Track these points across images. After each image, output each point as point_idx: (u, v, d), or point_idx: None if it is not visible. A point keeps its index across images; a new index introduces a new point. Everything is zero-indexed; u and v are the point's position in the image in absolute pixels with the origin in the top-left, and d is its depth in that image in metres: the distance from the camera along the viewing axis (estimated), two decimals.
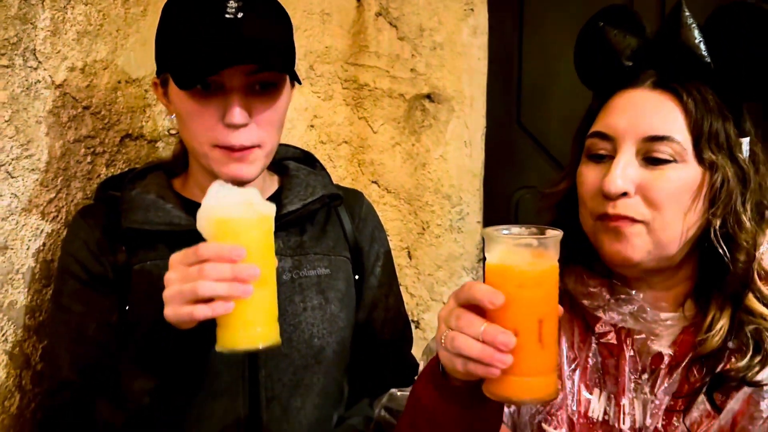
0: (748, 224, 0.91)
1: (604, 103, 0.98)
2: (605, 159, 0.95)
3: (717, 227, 0.91)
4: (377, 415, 1.15)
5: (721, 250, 0.91)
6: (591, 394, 1.00)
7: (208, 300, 0.86)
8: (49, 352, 1.14)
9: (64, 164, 1.23)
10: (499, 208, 2.21)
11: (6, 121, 1.11)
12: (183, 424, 1.08)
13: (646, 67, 0.96)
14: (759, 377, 0.87)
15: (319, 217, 1.23)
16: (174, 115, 1.10)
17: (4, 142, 1.11)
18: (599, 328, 1.00)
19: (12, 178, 1.13)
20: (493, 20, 2.10)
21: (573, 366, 1.01)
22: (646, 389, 0.95)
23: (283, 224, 1.15)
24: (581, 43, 1.03)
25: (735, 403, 0.89)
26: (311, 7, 1.90)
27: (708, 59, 0.92)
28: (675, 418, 0.92)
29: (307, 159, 1.30)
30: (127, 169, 1.29)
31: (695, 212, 0.92)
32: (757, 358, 0.88)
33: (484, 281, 0.81)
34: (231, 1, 1.01)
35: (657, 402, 0.94)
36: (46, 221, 1.20)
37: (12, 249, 1.14)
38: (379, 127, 2.07)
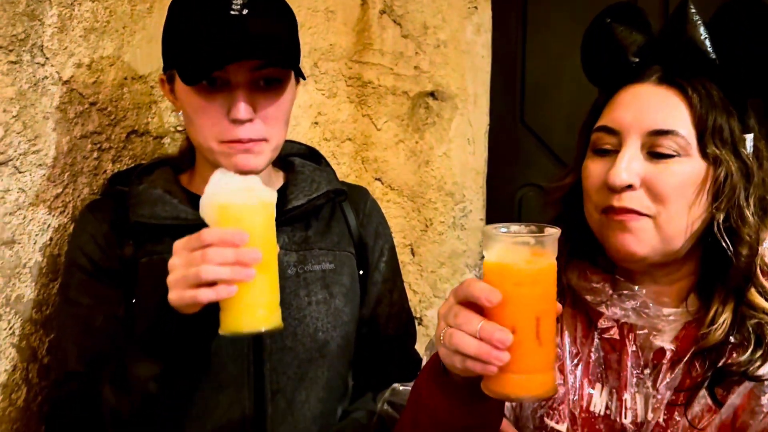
0: (751, 218, 0.92)
1: (609, 98, 0.99)
2: (610, 153, 0.96)
3: (720, 221, 0.92)
4: (380, 408, 1.15)
5: (724, 244, 0.91)
6: (593, 388, 1.00)
7: (211, 284, 0.88)
8: (56, 344, 1.15)
9: (71, 160, 1.24)
10: (502, 206, 2.22)
11: (14, 117, 1.12)
12: (189, 416, 1.09)
13: (652, 63, 0.97)
14: (760, 372, 0.88)
15: (324, 212, 1.24)
16: (180, 111, 1.12)
17: (11, 137, 1.12)
18: (602, 324, 1.00)
19: (19, 173, 1.14)
20: (496, 18, 2.10)
21: (575, 361, 1.02)
22: (648, 384, 0.96)
23: (288, 219, 1.16)
24: (588, 39, 1.03)
25: (736, 397, 0.89)
26: (316, 4, 1.91)
27: (713, 55, 0.93)
28: (676, 413, 0.93)
29: (312, 155, 1.31)
30: (134, 165, 1.30)
31: (699, 206, 0.92)
32: (759, 353, 0.88)
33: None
34: None
35: (659, 397, 0.94)
36: (53, 216, 1.21)
37: (19, 243, 1.15)
38: (382, 124, 2.07)
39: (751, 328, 0.90)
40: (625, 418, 0.97)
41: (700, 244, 0.96)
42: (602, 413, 0.99)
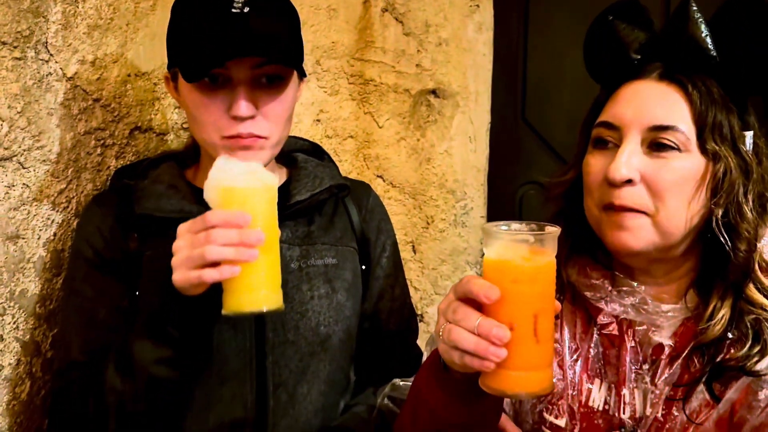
0: (749, 214, 0.92)
1: (611, 94, 1.00)
2: (611, 148, 0.96)
3: (719, 217, 0.92)
4: (380, 403, 1.16)
5: (722, 239, 0.92)
6: (592, 384, 1.01)
7: (215, 265, 0.90)
8: (60, 335, 1.17)
9: (75, 156, 1.25)
10: (503, 204, 2.22)
11: (18, 113, 1.12)
12: (190, 409, 1.10)
13: (653, 60, 0.97)
14: (758, 367, 0.88)
15: (327, 208, 1.25)
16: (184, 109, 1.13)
17: (16, 133, 1.12)
18: (601, 319, 1.01)
19: (23, 168, 1.15)
20: (498, 16, 2.11)
21: (575, 356, 1.02)
22: (647, 379, 0.96)
23: (292, 214, 1.17)
24: (591, 36, 1.04)
25: (734, 392, 0.90)
26: (318, 2, 1.92)
27: (714, 53, 0.93)
28: (675, 408, 0.94)
29: (315, 151, 1.32)
30: (139, 159, 1.31)
31: (698, 202, 0.93)
32: (756, 348, 0.89)
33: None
34: None
35: (657, 392, 0.95)
36: (57, 211, 1.22)
37: (23, 238, 1.16)
38: (384, 122, 2.08)
39: (749, 324, 0.91)
40: (624, 413, 0.97)
41: (699, 241, 0.96)
42: (601, 408, 1.00)
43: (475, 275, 0.82)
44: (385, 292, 1.30)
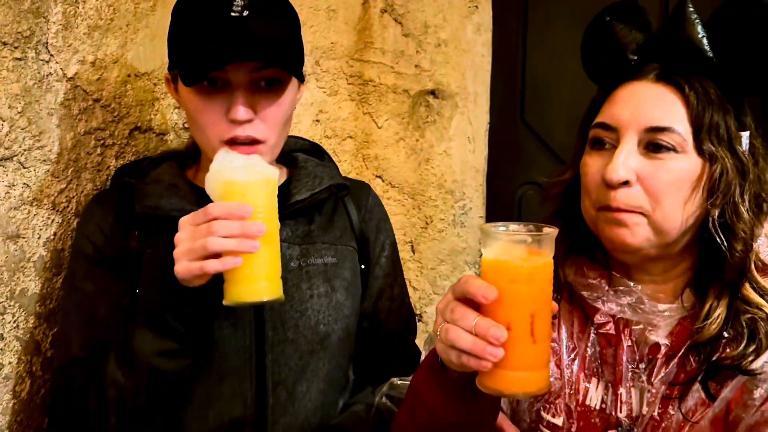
0: (745, 215, 0.93)
1: (608, 94, 1.00)
2: (608, 149, 0.97)
3: (715, 217, 0.93)
4: (378, 401, 1.17)
5: (719, 239, 0.92)
6: (589, 383, 1.01)
7: (216, 256, 0.92)
8: (61, 332, 1.17)
9: (75, 156, 1.25)
10: (502, 204, 2.23)
11: (18, 113, 1.13)
12: (190, 406, 1.11)
13: (651, 61, 0.98)
14: (753, 366, 0.89)
15: (326, 207, 1.25)
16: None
17: (16, 133, 1.13)
18: (598, 319, 1.01)
19: (24, 168, 1.15)
20: (497, 17, 2.11)
21: (572, 355, 1.03)
22: (643, 378, 0.97)
23: (292, 213, 1.17)
24: (588, 37, 1.05)
25: (729, 391, 0.91)
26: (317, 3, 1.92)
27: (711, 54, 0.94)
28: (671, 407, 0.94)
29: (315, 151, 1.32)
30: (140, 158, 1.32)
31: (694, 202, 0.93)
32: (752, 347, 0.89)
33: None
34: (237, 0, 1.04)
35: (653, 391, 0.96)
36: (57, 211, 1.23)
37: (24, 238, 1.16)
38: (383, 122, 2.09)
39: (744, 323, 0.91)
40: (621, 411, 0.98)
41: (696, 240, 0.97)
42: (598, 407, 1.00)
43: (474, 275, 0.83)
44: (384, 292, 1.30)
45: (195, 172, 1.21)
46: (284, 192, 1.16)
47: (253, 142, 1.06)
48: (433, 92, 2.08)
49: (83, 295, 1.12)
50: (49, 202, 1.21)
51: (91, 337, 1.10)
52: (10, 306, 1.15)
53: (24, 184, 1.16)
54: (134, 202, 1.13)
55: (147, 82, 1.41)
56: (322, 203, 1.24)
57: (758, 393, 0.89)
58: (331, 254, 1.21)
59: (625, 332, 0.99)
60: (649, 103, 0.94)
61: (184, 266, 0.94)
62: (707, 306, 0.93)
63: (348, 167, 2.07)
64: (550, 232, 0.82)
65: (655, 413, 0.95)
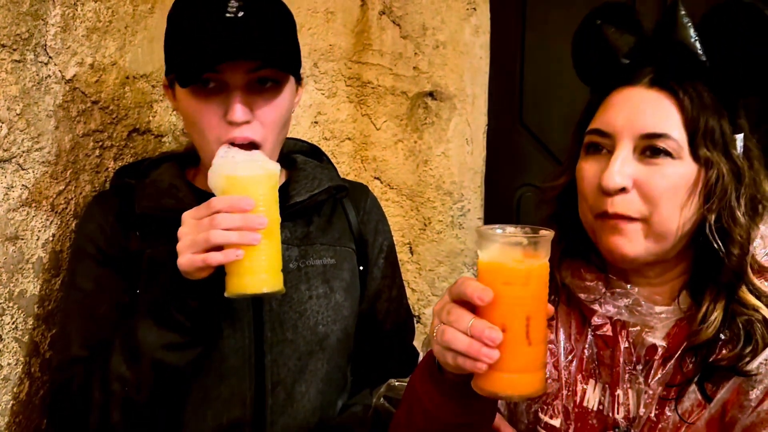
0: (742, 219, 0.93)
1: (602, 99, 1.00)
2: (604, 154, 0.97)
3: (712, 222, 0.93)
4: (376, 402, 1.17)
5: (716, 245, 0.92)
6: (586, 384, 1.02)
7: (218, 249, 0.94)
8: (61, 330, 1.17)
9: (74, 157, 1.26)
10: (500, 206, 2.23)
11: (17, 115, 1.13)
12: (190, 404, 1.11)
13: (643, 65, 0.97)
14: (749, 367, 0.89)
15: (325, 209, 1.26)
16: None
17: (15, 135, 1.13)
18: (595, 321, 1.02)
19: (23, 170, 1.16)
20: (495, 19, 2.11)
21: (569, 357, 1.03)
22: (640, 380, 0.97)
23: (291, 215, 1.18)
24: (578, 40, 1.04)
25: (725, 392, 0.91)
26: (315, 5, 1.93)
27: (703, 57, 0.93)
28: (667, 408, 0.94)
29: (314, 152, 1.33)
30: (140, 159, 1.32)
31: (690, 208, 0.94)
32: (748, 348, 0.90)
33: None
34: (232, 1, 1.04)
35: (650, 392, 0.96)
36: (56, 213, 1.23)
37: (22, 239, 1.17)
38: (382, 124, 2.09)
39: (741, 325, 0.91)
40: (618, 413, 0.98)
41: (692, 244, 0.97)
42: (595, 408, 1.00)
43: (470, 277, 0.83)
44: (382, 293, 1.31)
45: (195, 173, 1.21)
46: (283, 193, 1.17)
47: (251, 144, 1.06)
48: (431, 94, 2.09)
49: (84, 294, 1.13)
50: (47, 203, 1.21)
51: (91, 336, 1.10)
52: (8, 307, 1.15)
53: (23, 185, 1.16)
54: (134, 203, 1.13)
55: (145, 84, 1.42)
56: (321, 205, 1.24)
57: (754, 394, 0.89)
58: (329, 255, 1.22)
59: (622, 334, 1.00)
60: (644, 110, 0.94)
61: (188, 259, 0.95)
62: (704, 308, 0.93)
63: (346, 169, 2.07)
64: (546, 234, 0.82)
65: (652, 414, 0.95)
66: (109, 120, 1.33)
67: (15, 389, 1.17)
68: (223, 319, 1.12)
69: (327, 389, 1.20)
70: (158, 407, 1.07)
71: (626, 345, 0.99)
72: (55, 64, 1.20)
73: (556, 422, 1.02)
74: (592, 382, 1.02)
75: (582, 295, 1.03)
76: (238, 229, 0.93)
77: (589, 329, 1.03)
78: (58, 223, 1.23)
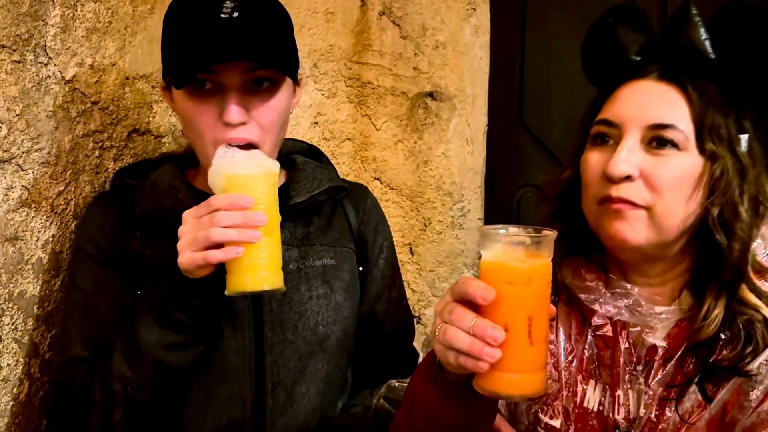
0: (744, 214, 0.93)
1: (609, 93, 1.00)
2: (611, 145, 0.97)
3: (715, 216, 0.93)
4: (376, 403, 1.17)
5: (718, 237, 0.93)
6: (587, 385, 1.02)
7: (219, 246, 0.94)
8: (61, 330, 1.17)
9: (73, 158, 1.26)
10: (501, 206, 2.23)
11: (17, 115, 1.13)
12: (190, 405, 1.11)
13: (652, 62, 0.98)
14: (749, 367, 0.89)
15: (325, 209, 1.26)
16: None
17: (15, 135, 1.13)
18: (595, 321, 1.02)
19: (22, 170, 1.15)
20: (495, 20, 2.11)
21: (569, 357, 1.03)
22: (641, 380, 0.97)
23: (290, 215, 1.18)
24: (590, 38, 1.05)
25: (725, 393, 0.91)
26: (315, 6, 1.93)
27: (713, 56, 0.94)
28: (668, 408, 0.94)
29: (313, 153, 1.33)
30: (140, 160, 1.32)
31: (694, 201, 0.94)
32: (749, 348, 0.90)
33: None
34: (227, 2, 1.04)
35: (650, 393, 0.96)
36: (56, 213, 1.23)
37: (22, 240, 1.17)
38: (382, 124, 2.09)
39: (741, 325, 0.91)
40: (618, 413, 0.98)
41: (693, 241, 0.97)
42: (595, 409, 1.00)
43: (472, 276, 0.83)
44: (383, 294, 1.31)
45: (195, 174, 1.21)
46: (283, 194, 1.16)
47: (248, 145, 1.06)
48: (431, 94, 2.09)
49: (84, 295, 1.13)
50: (47, 204, 1.21)
51: (92, 336, 1.10)
52: (8, 308, 1.15)
53: (22, 186, 1.16)
54: (134, 204, 1.13)
55: (145, 85, 1.41)
56: (321, 205, 1.24)
57: (754, 395, 0.89)
58: (329, 256, 1.22)
59: (623, 334, 1.00)
60: (653, 101, 0.95)
61: (188, 257, 0.96)
62: (705, 307, 0.94)
63: (346, 169, 2.07)
64: (549, 234, 0.82)
65: (652, 415, 0.95)
66: (109, 121, 1.33)
67: (15, 390, 1.17)
68: (223, 320, 1.12)
69: (327, 390, 1.20)
70: (159, 407, 1.07)
71: (626, 345, 0.99)
72: (55, 65, 1.20)
73: (557, 423, 1.02)
74: (592, 382, 1.01)
75: (582, 296, 1.03)
76: (238, 227, 0.94)
77: (590, 329, 1.03)
78: (58, 223, 1.23)
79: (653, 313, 0.97)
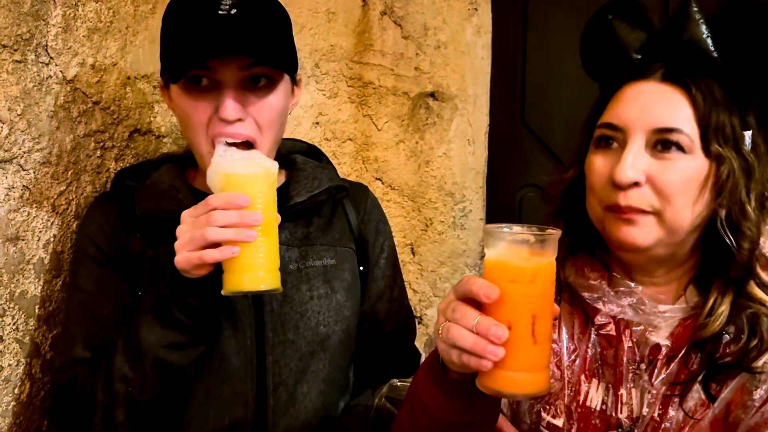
0: (752, 214, 0.93)
1: (612, 93, 1.00)
2: (615, 148, 0.96)
3: (723, 217, 0.93)
4: (378, 403, 1.17)
5: (727, 239, 0.92)
6: (589, 384, 1.01)
7: (216, 246, 0.94)
8: (63, 331, 1.17)
9: (75, 158, 1.26)
10: (502, 207, 2.23)
11: (18, 115, 1.13)
12: (192, 405, 1.11)
13: (654, 61, 0.98)
14: (755, 364, 0.89)
15: (325, 209, 1.25)
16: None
17: (16, 135, 1.13)
18: (599, 320, 1.01)
19: (24, 170, 1.15)
20: (496, 20, 2.11)
21: (572, 356, 1.03)
22: (644, 379, 0.97)
23: (291, 215, 1.17)
24: (588, 33, 1.04)
25: (729, 392, 0.91)
26: (317, 6, 1.93)
27: (715, 54, 0.94)
28: (671, 407, 0.94)
29: (313, 153, 1.33)
30: (140, 161, 1.32)
31: (702, 202, 0.94)
32: (753, 342, 0.89)
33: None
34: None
35: (654, 392, 0.96)
36: (57, 213, 1.23)
37: (23, 240, 1.16)
38: (383, 124, 2.09)
39: (745, 318, 0.91)
40: (621, 412, 0.98)
41: (701, 241, 0.97)
42: (598, 408, 1.00)
43: (475, 275, 0.83)
44: (384, 294, 1.30)
45: (195, 174, 1.21)
46: (283, 194, 1.16)
47: (246, 143, 1.06)
48: (432, 94, 2.08)
49: (85, 295, 1.13)
50: (48, 204, 1.21)
51: (93, 337, 1.10)
52: (9, 308, 1.15)
53: (24, 186, 1.16)
54: (135, 205, 1.13)
55: (146, 85, 1.41)
56: (321, 205, 1.24)
57: (758, 394, 0.89)
58: (330, 256, 1.21)
59: (626, 333, 0.99)
60: (656, 104, 0.94)
61: (184, 256, 0.95)
62: (710, 302, 0.93)
63: (348, 169, 2.07)
64: (553, 233, 0.82)
65: (656, 414, 0.95)
66: (111, 120, 1.33)
67: (16, 390, 1.17)
68: (224, 320, 1.11)
69: (329, 390, 1.20)
70: (161, 407, 1.07)
71: (630, 344, 0.99)
72: (56, 65, 1.20)
73: (559, 422, 1.02)
74: (595, 381, 1.01)
75: (585, 294, 1.02)
76: (234, 226, 0.93)
77: (593, 328, 1.02)
78: (59, 223, 1.23)
79: (657, 312, 0.97)
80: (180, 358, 1.04)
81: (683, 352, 0.95)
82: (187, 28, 1.04)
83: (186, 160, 1.23)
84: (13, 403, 1.17)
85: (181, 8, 1.07)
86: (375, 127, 2.09)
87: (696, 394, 0.92)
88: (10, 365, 1.16)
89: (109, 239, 1.14)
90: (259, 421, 1.13)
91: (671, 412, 0.94)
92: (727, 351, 0.91)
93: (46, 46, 1.18)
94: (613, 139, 0.97)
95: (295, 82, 1.16)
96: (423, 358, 1.10)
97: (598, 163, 0.98)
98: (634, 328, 0.99)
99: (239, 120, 1.05)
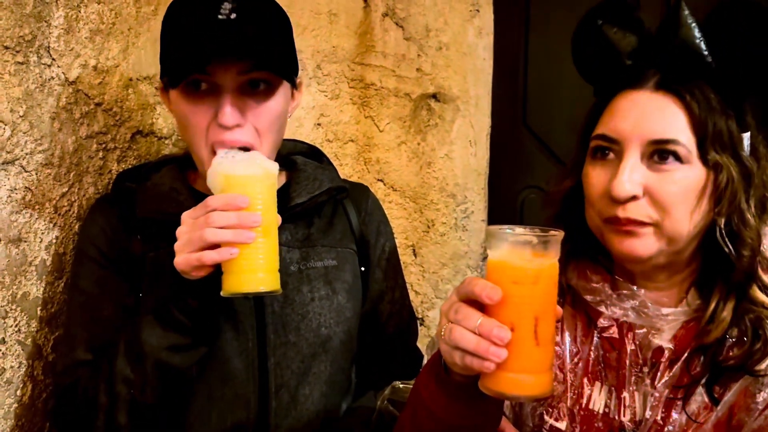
0: (752, 221, 0.92)
1: (606, 102, 0.99)
2: (611, 159, 0.96)
3: (722, 225, 0.92)
4: (380, 405, 1.17)
5: (727, 249, 0.92)
6: (592, 387, 1.01)
7: (215, 247, 0.94)
8: (65, 333, 1.17)
9: (77, 159, 1.25)
10: (504, 208, 2.22)
11: (20, 117, 1.13)
12: (194, 407, 1.11)
13: (647, 66, 0.96)
14: (758, 366, 0.89)
15: (326, 210, 1.25)
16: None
17: (18, 137, 1.13)
18: (601, 323, 1.01)
19: (26, 172, 1.15)
20: (498, 21, 2.11)
21: (575, 359, 1.03)
22: (647, 382, 0.97)
23: (291, 216, 1.17)
24: (579, 41, 1.03)
25: (732, 395, 0.90)
26: (319, 7, 1.92)
27: (708, 58, 0.92)
28: (674, 411, 0.94)
29: (314, 154, 1.32)
30: (141, 163, 1.32)
31: (701, 211, 0.93)
32: (757, 345, 0.89)
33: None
34: (225, 3, 1.03)
35: (657, 395, 0.95)
36: (59, 215, 1.23)
37: (26, 241, 1.16)
38: (385, 125, 2.09)
39: (749, 322, 0.91)
40: (624, 415, 0.98)
41: (701, 247, 0.97)
42: (601, 411, 1.00)
43: (477, 277, 0.83)
44: (385, 295, 1.30)
45: (195, 176, 1.21)
46: (283, 195, 1.16)
47: (243, 147, 1.05)
48: (434, 96, 2.08)
49: (87, 297, 1.13)
50: (51, 205, 1.21)
51: (95, 338, 1.11)
52: (11, 310, 1.15)
53: (26, 187, 1.16)
54: (135, 207, 1.13)
55: (149, 86, 1.41)
56: (322, 206, 1.24)
57: (761, 397, 0.89)
58: (331, 257, 1.21)
59: (629, 336, 0.99)
60: (652, 115, 0.93)
61: (183, 258, 0.95)
62: (712, 307, 0.93)
63: (350, 171, 2.07)
64: (556, 234, 0.82)
65: (659, 417, 0.95)
66: (113, 122, 1.33)
67: (18, 392, 1.17)
68: (225, 322, 1.11)
69: (331, 392, 1.20)
70: (163, 409, 1.07)
71: (632, 347, 0.98)
72: (59, 66, 1.20)
73: (562, 425, 1.01)
74: (598, 384, 1.01)
75: (588, 297, 1.02)
76: (233, 227, 0.93)
77: (595, 331, 1.02)
78: (61, 225, 1.23)
79: (660, 315, 0.97)
80: (182, 360, 1.03)
81: (686, 355, 0.95)
82: (188, 32, 1.04)
83: (186, 162, 1.23)
84: (14, 405, 1.17)
85: (182, 12, 1.07)
86: (377, 129, 2.09)
87: (699, 397, 0.92)
88: (12, 367, 1.16)
89: (110, 241, 1.14)
90: (261, 423, 1.13)
91: (674, 415, 0.94)
92: (731, 354, 0.91)
93: (49, 47, 1.18)
94: (610, 150, 0.96)
95: (295, 86, 1.16)
96: (425, 360, 1.10)
97: (595, 174, 0.97)
98: (636, 331, 0.98)
99: (238, 126, 1.04)
